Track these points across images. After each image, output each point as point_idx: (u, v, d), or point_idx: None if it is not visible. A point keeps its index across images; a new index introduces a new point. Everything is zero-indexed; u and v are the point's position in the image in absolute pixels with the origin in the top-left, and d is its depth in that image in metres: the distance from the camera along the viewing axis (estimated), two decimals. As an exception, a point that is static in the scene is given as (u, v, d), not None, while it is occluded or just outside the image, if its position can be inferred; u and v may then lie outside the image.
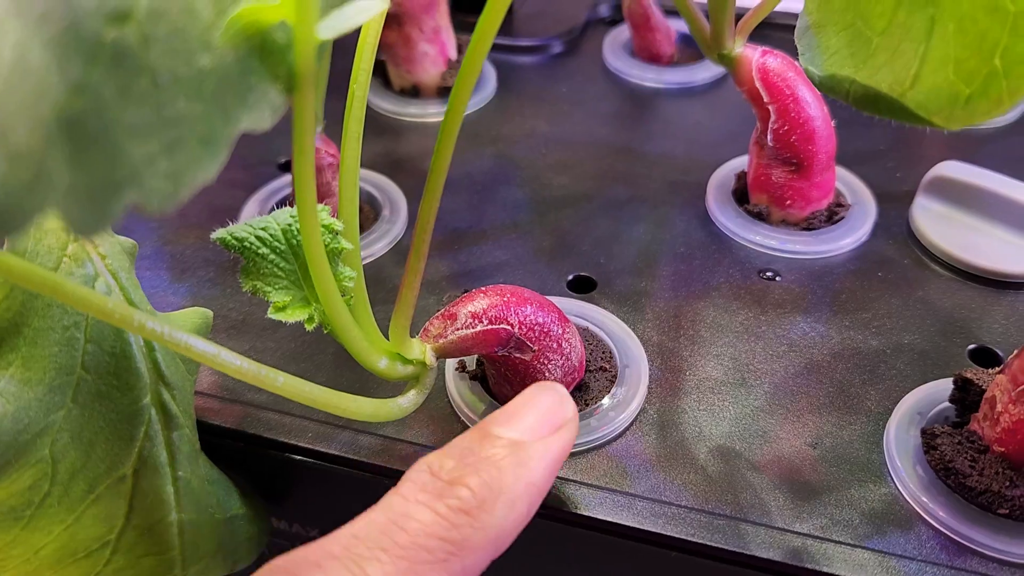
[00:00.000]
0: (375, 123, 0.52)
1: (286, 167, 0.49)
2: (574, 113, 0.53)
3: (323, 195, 0.42)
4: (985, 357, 0.38)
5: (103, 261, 0.30)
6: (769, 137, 0.42)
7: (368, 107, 0.52)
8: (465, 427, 0.35)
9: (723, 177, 0.46)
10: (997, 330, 0.39)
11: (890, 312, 0.40)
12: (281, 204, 0.46)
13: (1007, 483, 0.31)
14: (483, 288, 0.33)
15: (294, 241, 0.30)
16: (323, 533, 0.38)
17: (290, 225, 0.30)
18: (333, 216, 0.29)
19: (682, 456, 0.34)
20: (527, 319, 0.33)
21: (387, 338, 0.31)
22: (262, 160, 0.49)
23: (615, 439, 0.35)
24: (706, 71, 0.55)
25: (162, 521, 0.30)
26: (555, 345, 0.33)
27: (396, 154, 0.49)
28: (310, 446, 0.34)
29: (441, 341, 0.32)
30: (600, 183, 0.47)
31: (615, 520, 0.32)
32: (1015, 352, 0.32)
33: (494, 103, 0.53)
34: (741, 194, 0.45)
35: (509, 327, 0.32)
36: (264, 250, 0.29)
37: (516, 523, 0.26)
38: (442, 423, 0.36)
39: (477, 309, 0.32)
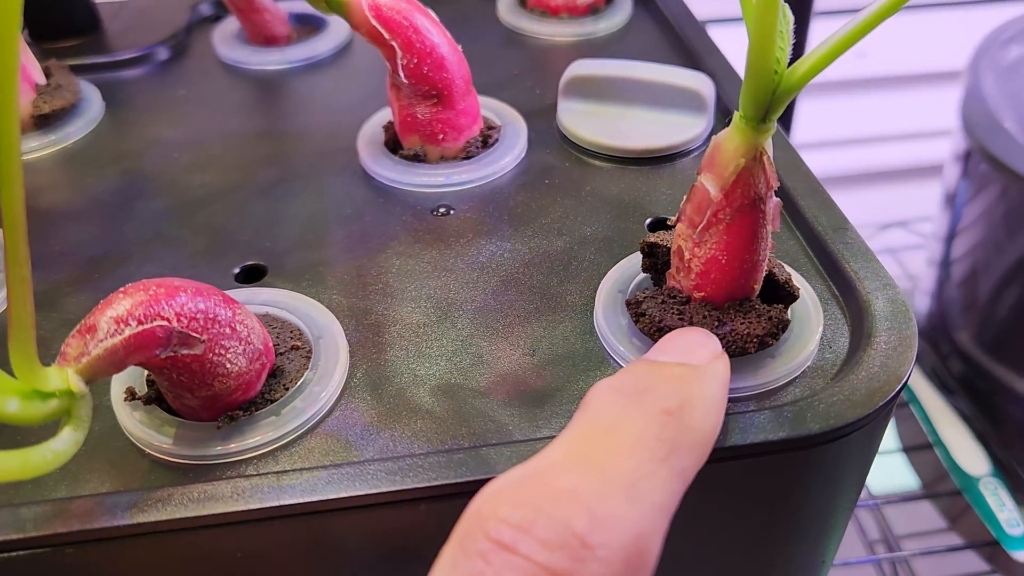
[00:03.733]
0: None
1: None
2: (199, 113, 0.48)
3: None
4: (662, 226, 0.39)
5: None
6: (402, 75, 0.40)
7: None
8: (156, 461, 0.30)
9: (370, 132, 0.44)
10: (665, 200, 0.40)
11: (566, 212, 0.39)
12: None
13: (716, 323, 0.31)
14: (121, 288, 0.28)
15: None
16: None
17: None
18: None
19: (404, 408, 0.31)
20: (185, 308, 0.28)
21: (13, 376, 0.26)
22: None
23: (327, 416, 0.31)
24: (328, 41, 0.53)
25: None
26: (228, 330, 0.29)
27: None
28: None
29: (85, 360, 0.26)
30: (245, 172, 0.43)
31: (348, 494, 0.28)
32: (683, 199, 0.32)
33: (106, 123, 0.47)
34: (394, 143, 0.43)
35: (165, 322, 0.27)
36: None
37: (714, 432, 0.25)
38: (126, 464, 0.30)
39: (120, 312, 0.27)
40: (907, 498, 0.76)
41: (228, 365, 0.29)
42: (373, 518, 0.29)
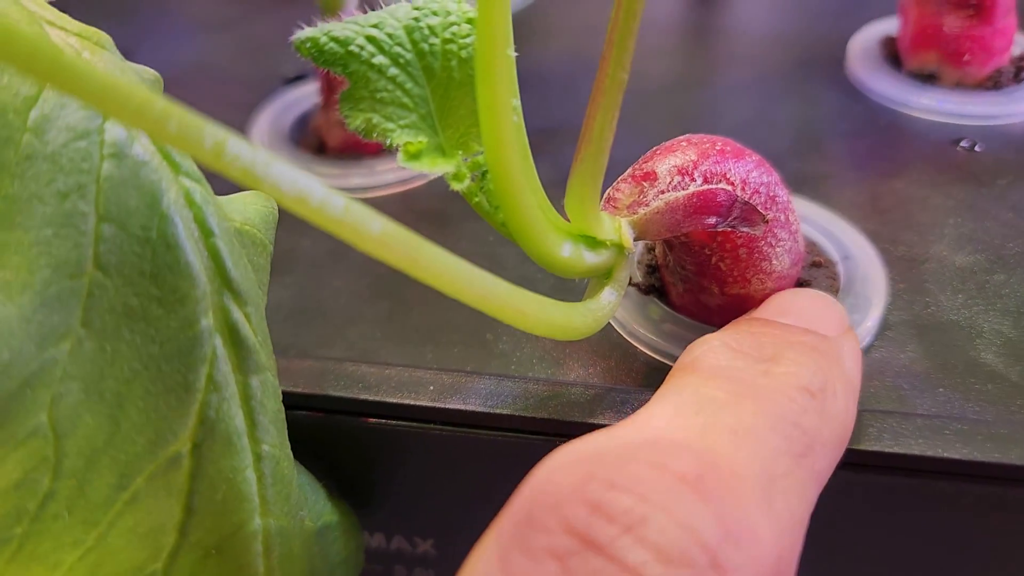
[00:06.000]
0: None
1: (296, 82, 0.37)
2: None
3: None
4: None
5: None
6: (940, -27, 0.32)
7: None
8: (649, 361, 0.24)
9: (863, 45, 0.37)
10: None
11: None
12: (300, 119, 0.34)
13: None
14: (683, 136, 0.22)
15: (425, 47, 0.18)
16: (437, 546, 0.26)
17: (417, 21, 0.18)
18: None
19: (961, 363, 0.24)
20: (751, 176, 0.22)
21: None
22: (267, 76, 0.37)
23: (865, 353, 0.24)
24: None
25: (240, 531, 0.18)
26: (783, 217, 0.23)
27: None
28: (434, 404, 0.22)
29: (641, 211, 0.21)
30: (710, 66, 0.37)
31: (924, 453, 0.21)
32: None
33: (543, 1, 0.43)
34: (893, 61, 0.36)
35: (730, 186, 0.21)
36: (381, 59, 0.18)
37: (851, 427, 0.19)
38: (615, 359, 0.24)
39: (684, 162, 0.21)
40: None
41: (775, 260, 0.23)
42: (931, 490, 0.22)
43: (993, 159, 0.31)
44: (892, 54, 0.36)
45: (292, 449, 0.22)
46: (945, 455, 0.21)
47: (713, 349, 0.19)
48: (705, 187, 0.21)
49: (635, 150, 0.23)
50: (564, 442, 0.22)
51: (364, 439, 0.24)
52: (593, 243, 0.20)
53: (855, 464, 0.21)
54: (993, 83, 0.34)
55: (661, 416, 0.17)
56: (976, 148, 0.32)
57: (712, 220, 0.21)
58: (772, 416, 0.17)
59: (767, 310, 0.21)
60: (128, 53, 0.18)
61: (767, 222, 0.22)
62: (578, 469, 0.15)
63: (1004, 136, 0.32)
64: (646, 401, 0.18)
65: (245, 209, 0.20)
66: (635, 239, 0.21)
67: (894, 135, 0.33)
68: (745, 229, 0.22)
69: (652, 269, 0.26)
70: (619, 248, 0.21)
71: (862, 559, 0.24)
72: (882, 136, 0.32)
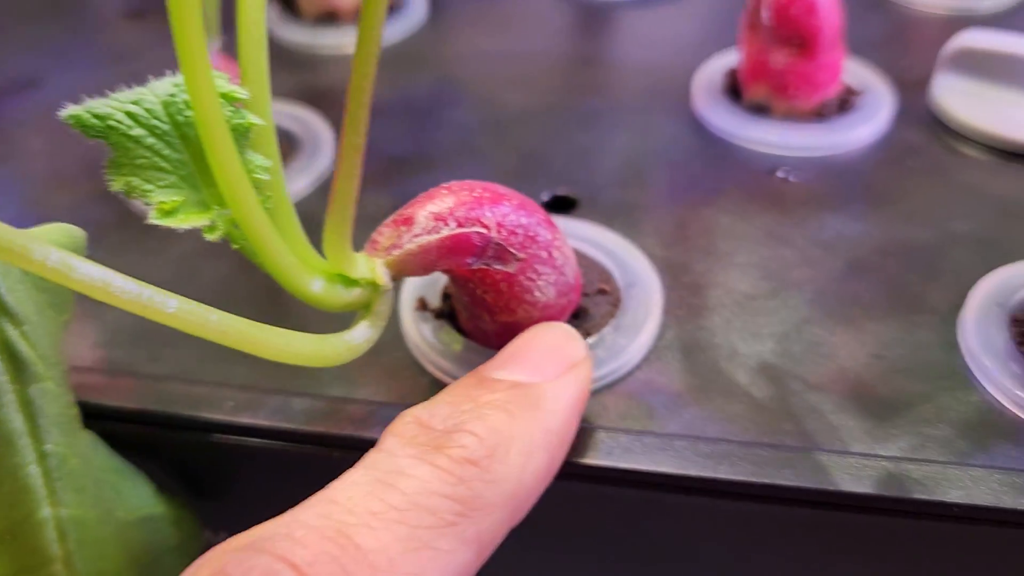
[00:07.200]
0: (287, 57, 0.43)
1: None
2: (524, 31, 0.45)
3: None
4: (1058, 237, 0.31)
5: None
6: (764, 14, 0.35)
7: (277, 42, 0.44)
8: (436, 380, 0.27)
9: (708, 77, 0.39)
10: (1063, 210, 0.32)
11: (933, 202, 0.33)
12: None
13: None
14: (445, 184, 0.25)
15: (180, 119, 0.21)
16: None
17: (174, 97, 0.21)
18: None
19: (718, 385, 0.26)
20: (507, 219, 0.25)
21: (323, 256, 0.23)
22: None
23: (629, 375, 0.27)
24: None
25: (30, 519, 0.21)
26: (544, 254, 0.25)
27: (316, 86, 0.41)
28: (230, 419, 0.26)
29: (396, 253, 0.24)
30: (565, 97, 0.39)
31: (651, 469, 0.24)
32: None
33: (428, 27, 0.45)
34: (733, 92, 0.38)
35: (484, 229, 0.24)
36: (139, 131, 0.21)
37: (536, 478, 0.21)
38: (404, 378, 0.27)
39: (441, 209, 0.24)
40: None
41: (537, 292, 0.26)
42: (663, 503, 0.25)
43: (804, 189, 0.34)
44: (734, 86, 0.38)
45: (126, 454, 0.25)
46: (660, 470, 0.24)
47: (403, 424, 0.21)
48: (459, 231, 0.24)
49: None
50: (340, 454, 0.25)
51: (180, 448, 0.27)
52: (348, 281, 0.23)
53: (580, 476, 0.24)
54: (818, 115, 0.36)
55: (323, 498, 0.19)
56: (791, 178, 0.34)
57: (470, 259, 0.24)
58: (418, 493, 0.18)
59: (499, 358, 0.23)
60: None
61: (520, 260, 0.25)
62: (230, 556, 0.17)
63: (820, 166, 0.35)
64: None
65: (49, 240, 0.23)
66: (393, 278, 0.24)
67: (719, 165, 0.35)
68: (499, 267, 0.24)
69: (447, 296, 0.29)
70: (374, 286, 0.23)
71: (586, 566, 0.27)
72: (708, 166, 0.35)
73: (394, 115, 0.39)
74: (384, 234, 0.24)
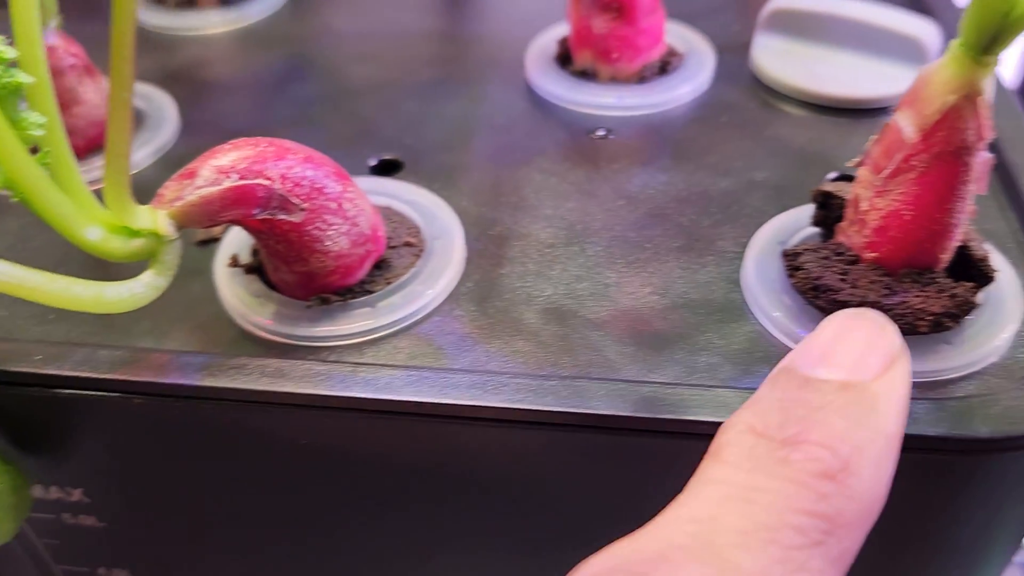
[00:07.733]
0: (146, 41, 0.45)
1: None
2: (378, 9, 0.46)
3: (67, 103, 0.35)
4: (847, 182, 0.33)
5: None
6: (583, -20, 0.37)
7: (142, 26, 0.45)
8: (243, 332, 0.29)
9: (542, 45, 0.41)
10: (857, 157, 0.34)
11: (739, 153, 0.35)
12: None
13: (884, 291, 0.26)
14: (232, 140, 0.27)
15: (-54, 77, 0.23)
16: (88, 494, 0.31)
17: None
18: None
19: (508, 325, 0.28)
20: (291, 172, 0.26)
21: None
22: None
23: (424, 318, 0.29)
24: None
25: None
26: (334, 205, 0.27)
27: (171, 67, 0.42)
28: (36, 370, 0.27)
29: (178, 204, 0.25)
30: (407, 69, 0.41)
31: (420, 399, 0.25)
32: (870, 140, 0.27)
33: (288, 8, 0.47)
34: (565, 59, 0.40)
35: (268, 181, 0.26)
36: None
37: (885, 488, 0.19)
38: (214, 330, 0.29)
39: (224, 163, 0.26)
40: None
41: (328, 242, 0.27)
42: (440, 430, 0.26)
43: (619, 146, 0.36)
44: (565, 55, 0.40)
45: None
46: (438, 400, 0.25)
47: (735, 430, 0.19)
48: (241, 182, 0.25)
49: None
50: (141, 400, 0.26)
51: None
52: (130, 232, 0.25)
53: (361, 409, 0.26)
54: (640, 78, 0.38)
55: (678, 517, 0.18)
56: (610, 137, 0.36)
57: (255, 210, 0.26)
58: (784, 510, 0.17)
59: (806, 353, 0.21)
60: None
61: (304, 210, 0.26)
62: None
63: (638, 125, 0.37)
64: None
65: None
66: (178, 228, 0.25)
67: (542, 128, 0.37)
68: (284, 216, 0.26)
69: (256, 252, 0.30)
70: (158, 236, 0.25)
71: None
72: (531, 129, 0.37)
73: (241, 92, 0.40)
74: (169, 188, 0.26)
